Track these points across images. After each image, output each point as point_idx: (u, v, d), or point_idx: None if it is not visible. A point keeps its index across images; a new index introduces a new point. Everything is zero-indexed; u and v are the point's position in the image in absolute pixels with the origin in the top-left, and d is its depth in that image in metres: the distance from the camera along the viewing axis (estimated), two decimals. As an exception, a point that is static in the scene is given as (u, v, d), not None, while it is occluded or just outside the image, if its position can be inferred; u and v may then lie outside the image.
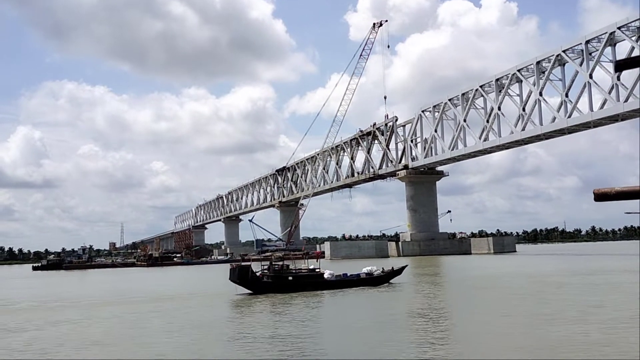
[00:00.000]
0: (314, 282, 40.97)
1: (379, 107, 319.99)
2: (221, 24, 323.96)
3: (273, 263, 42.93)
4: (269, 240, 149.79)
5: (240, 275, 40.60)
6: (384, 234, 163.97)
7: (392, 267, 45.76)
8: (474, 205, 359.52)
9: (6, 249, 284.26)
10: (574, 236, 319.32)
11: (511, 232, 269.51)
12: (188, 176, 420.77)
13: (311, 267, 44.18)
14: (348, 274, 43.86)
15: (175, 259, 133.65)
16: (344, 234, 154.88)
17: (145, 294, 48.15)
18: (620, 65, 6.50)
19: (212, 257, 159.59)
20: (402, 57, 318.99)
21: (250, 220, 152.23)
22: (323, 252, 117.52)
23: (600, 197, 6.21)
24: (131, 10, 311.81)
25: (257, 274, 41.31)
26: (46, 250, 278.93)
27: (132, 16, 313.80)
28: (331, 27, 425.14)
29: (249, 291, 40.61)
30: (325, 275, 41.99)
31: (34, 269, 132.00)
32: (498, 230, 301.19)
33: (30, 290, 62.50)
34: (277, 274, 40.95)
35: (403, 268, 46.46)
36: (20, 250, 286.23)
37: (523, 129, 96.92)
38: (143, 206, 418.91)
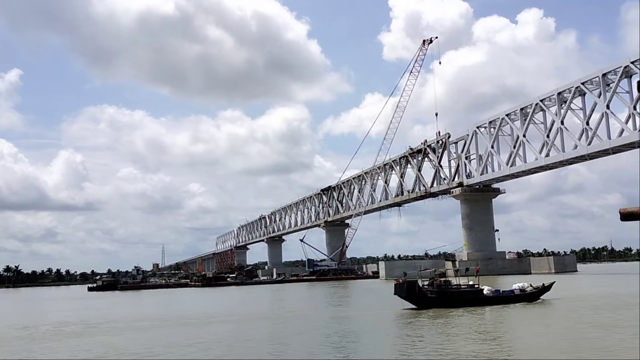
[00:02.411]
0: (474, 298, 41.93)
1: (412, 126, 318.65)
2: (257, 46, 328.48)
3: (435, 279, 43.47)
4: (321, 260, 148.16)
5: (409, 290, 41.75)
6: (426, 254, 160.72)
7: (543, 284, 45.95)
8: (513, 224, 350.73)
9: (54, 271, 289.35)
10: (624, 255, 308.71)
11: (558, 252, 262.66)
12: (224, 197, 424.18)
13: (470, 283, 44.47)
14: (500, 290, 44.92)
15: (228, 279, 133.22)
16: (399, 254, 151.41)
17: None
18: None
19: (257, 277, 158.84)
20: (437, 75, 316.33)
21: (302, 240, 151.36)
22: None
23: (627, 216, 6.16)
24: (170, 35, 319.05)
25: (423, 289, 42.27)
26: (92, 271, 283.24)
27: (171, 41, 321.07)
28: (365, 47, 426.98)
29: (414, 306, 41.59)
30: (485, 292, 42.97)
31: (90, 289, 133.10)
32: (545, 249, 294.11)
33: (107, 311, 62.15)
34: (441, 290, 41.96)
35: (552, 284, 46.31)
36: (67, 272, 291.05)
37: (589, 144, 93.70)
38: (181, 227, 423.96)
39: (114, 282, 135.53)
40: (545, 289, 45.26)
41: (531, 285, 45.43)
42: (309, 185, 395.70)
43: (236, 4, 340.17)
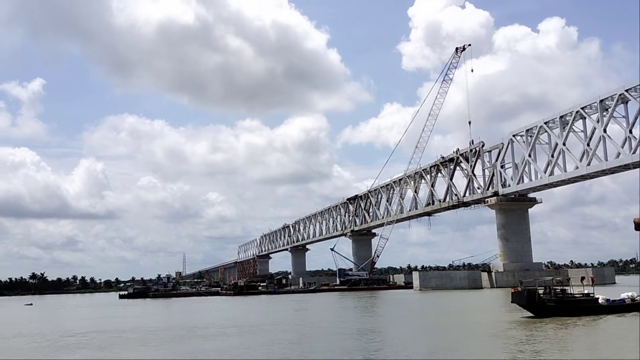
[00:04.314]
0: (590, 307, 42.10)
1: (432, 136, 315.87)
2: (276, 55, 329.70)
3: (553, 287, 43.38)
4: (350, 269, 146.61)
5: (529, 299, 42.08)
6: (451, 265, 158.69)
7: None
8: (534, 235, 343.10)
9: (78, 278, 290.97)
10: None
11: (585, 264, 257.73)
12: (243, 206, 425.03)
13: (585, 291, 44.34)
14: (610, 300, 44.71)
15: (260, 288, 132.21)
16: (437, 265, 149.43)
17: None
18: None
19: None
20: (457, 84, 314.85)
21: (332, 249, 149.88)
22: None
23: None
24: (189, 44, 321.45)
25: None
26: (117, 279, 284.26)
27: (190, 50, 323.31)
28: (384, 56, 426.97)
29: (531, 314, 41.90)
30: (600, 300, 43.13)
31: (121, 297, 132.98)
32: (572, 261, 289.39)
33: (153, 318, 61.46)
34: (559, 299, 42.24)
35: None
36: (92, 279, 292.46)
37: (634, 152, 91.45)
38: (200, 236, 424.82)
39: (145, 289, 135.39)
40: None
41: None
42: (327, 195, 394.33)
43: (255, 14, 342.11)
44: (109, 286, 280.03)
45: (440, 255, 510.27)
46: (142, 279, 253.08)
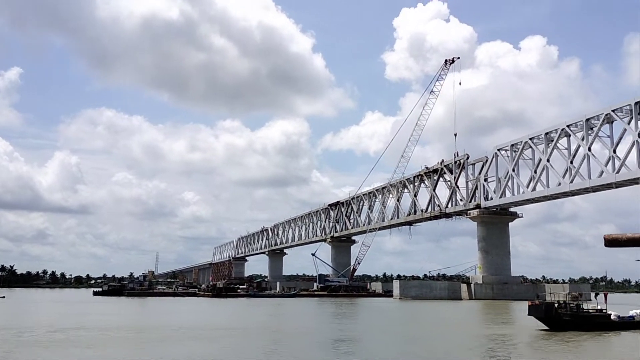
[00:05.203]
0: (603, 323, 42.83)
1: (411, 147, 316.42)
2: (261, 56, 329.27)
3: (568, 302, 43.73)
4: (329, 275, 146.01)
5: (546, 312, 42.74)
6: (426, 275, 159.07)
7: None
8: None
9: (48, 273, 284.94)
10: (622, 286, 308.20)
11: (556, 280, 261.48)
12: (219, 207, 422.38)
13: (598, 307, 45.20)
14: (620, 316, 45.48)
15: (239, 290, 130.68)
16: (412, 275, 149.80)
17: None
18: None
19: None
20: (441, 96, 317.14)
21: (314, 255, 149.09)
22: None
23: (611, 242, 6.19)
24: (174, 41, 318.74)
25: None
26: (87, 275, 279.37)
27: (174, 47, 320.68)
28: (368, 64, 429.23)
29: (546, 327, 42.55)
30: (612, 317, 44.03)
31: (95, 294, 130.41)
32: (544, 276, 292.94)
33: (135, 317, 60.11)
34: (574, 313, 42.76)
35: None
36: (62, 275, 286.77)
37: (617, 172, 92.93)
38: (174, 236, 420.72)
39: (120, 287, 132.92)
40: None
41: None
42: (305, 200, 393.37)
43: (241, 14, 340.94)
44: (79, 282, 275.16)
45: (416, 264, 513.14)
46: (114, 276, 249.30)
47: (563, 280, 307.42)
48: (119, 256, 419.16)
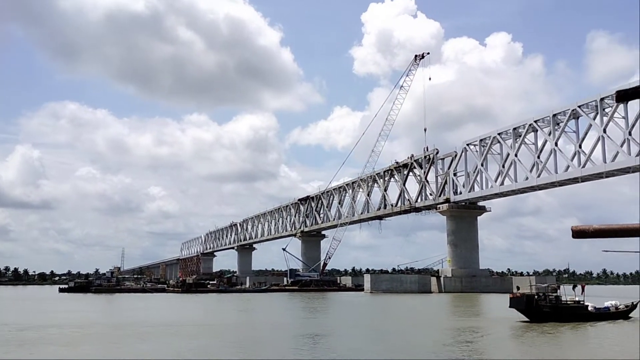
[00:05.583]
0: (581, 314, 44.23)
1: (381, 143, 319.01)
2: (228, 50, 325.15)
3: (547, 294, 44.53)
4: (300, 270, 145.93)
5: (527, 304, 43.64)
6: (394, 269, 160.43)
7: (632, 302, 48.70)
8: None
9: (11, 269, 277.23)
10: (584, 278, 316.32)
11: (521, 273, 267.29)
12: (187, 202, 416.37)
13: (576, 298, 46.07)
14: (597, 307, 46.68)
15: (209, 286, 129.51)
16: (381, 268, 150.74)
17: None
18: (622, 96, 7.31)
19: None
20: (410, 92, 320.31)
21: (284, 249, 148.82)
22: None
23: (579, 234, 6.23)
24: (139, 33, 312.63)
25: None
26: (52, 272, 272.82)
27: (140, 39, 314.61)
28: (337, 59, 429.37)
29: (527, 319, 43.55)
30: (589, 308, 45.27)
31: (61, 290, 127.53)
32: (509, 269, 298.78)
33: (106, 314, 58.87)
34: (554, 305, 43.94)
35: (638, 303, 49.06)
36: (25, 271, 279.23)
37: (583, 167, 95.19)
38: (140, 231, 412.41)
39: (87, 283, 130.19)
40: (634, 307, 48.05)
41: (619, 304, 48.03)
42: (273, 195, 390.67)
43: (208, 7, 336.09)
44: (43, 279, 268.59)
45: (384, 259, 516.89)
46: (79, 272, 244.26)
47: (528, 272, 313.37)
48: (83, 252, 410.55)
